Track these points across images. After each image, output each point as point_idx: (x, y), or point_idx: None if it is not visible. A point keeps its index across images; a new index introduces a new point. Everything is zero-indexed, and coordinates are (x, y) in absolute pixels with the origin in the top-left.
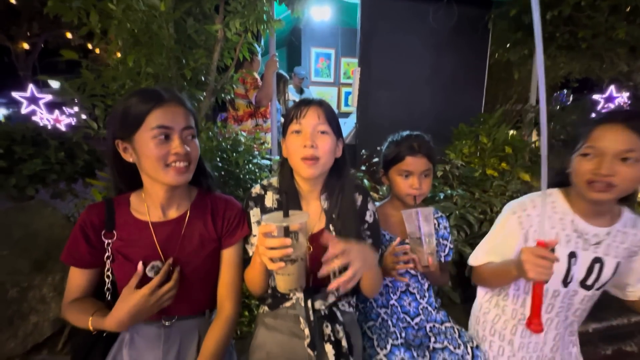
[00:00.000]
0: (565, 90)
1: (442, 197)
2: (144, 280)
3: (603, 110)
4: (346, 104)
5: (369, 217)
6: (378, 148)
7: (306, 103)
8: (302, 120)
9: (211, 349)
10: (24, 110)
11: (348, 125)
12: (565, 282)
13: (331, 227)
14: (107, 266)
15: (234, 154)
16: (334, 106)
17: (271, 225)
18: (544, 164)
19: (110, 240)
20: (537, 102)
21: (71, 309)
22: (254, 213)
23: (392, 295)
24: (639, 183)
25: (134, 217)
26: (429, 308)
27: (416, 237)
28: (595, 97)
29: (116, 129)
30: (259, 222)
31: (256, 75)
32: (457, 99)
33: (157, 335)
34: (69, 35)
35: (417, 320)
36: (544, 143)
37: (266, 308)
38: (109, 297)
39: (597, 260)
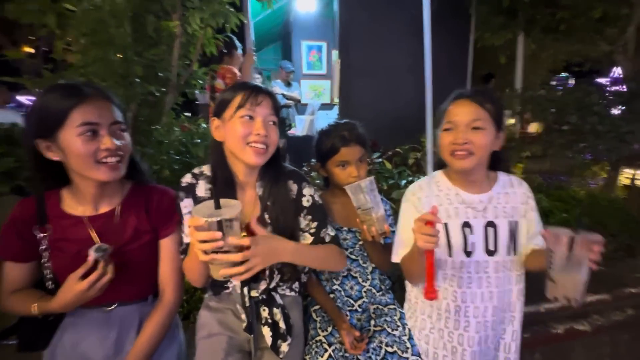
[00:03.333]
0: (563, 75)
1: (403, 183)
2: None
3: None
4: None
5: (306, 202)
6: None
7: (259, 91)
8: (257, 108)
9: (149, 331)
10: None
11: (330, 117)
12: (467, 252)
13: (266, 215)
14: (45, 258)
15: (195, 147)
16: (327, 98)
17: (200, 219)
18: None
19: (43, 234)
20: (522, 88)
21: (12, 300)
22: (185, 204)
23: (334, 281)
24: (490, 147)
25: (66, 212)
26: (373, 290)
27: (365, 208)
28: (600, 80)
29: (36, 128)
30: (191, 213)
31: (236, 70)
32: (440, 85)
33: (97, 319)
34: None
35: (359, 302)
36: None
37: (211, 293)
38: (52, 286)
39: (490, 224)
